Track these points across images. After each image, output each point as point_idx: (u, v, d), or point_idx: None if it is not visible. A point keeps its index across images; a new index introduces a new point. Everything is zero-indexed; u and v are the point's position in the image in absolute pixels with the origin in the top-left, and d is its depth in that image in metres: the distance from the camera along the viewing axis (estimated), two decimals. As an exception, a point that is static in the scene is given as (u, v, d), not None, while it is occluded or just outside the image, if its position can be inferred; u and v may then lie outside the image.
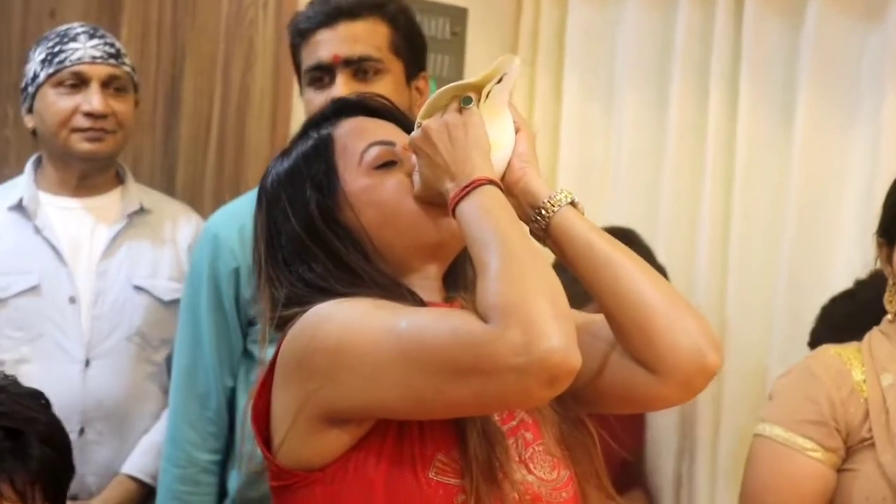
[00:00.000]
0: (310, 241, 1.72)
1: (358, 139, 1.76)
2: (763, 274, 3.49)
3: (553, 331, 1.50)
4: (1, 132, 3.47)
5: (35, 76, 3.00)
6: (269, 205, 1.77)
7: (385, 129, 1.78)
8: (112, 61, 3.01)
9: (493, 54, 1.72)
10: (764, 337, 3.46)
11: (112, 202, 3.08)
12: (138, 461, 3.00)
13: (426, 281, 1.74)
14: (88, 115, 2.97)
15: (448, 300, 1.76)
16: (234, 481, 2.76)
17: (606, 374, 1.70)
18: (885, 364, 2.28)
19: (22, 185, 3.05)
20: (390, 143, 1.75)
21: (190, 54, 3.52)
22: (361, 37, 2.61)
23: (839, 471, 2.27)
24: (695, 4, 3.58)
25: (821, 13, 3.39)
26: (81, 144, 2.98)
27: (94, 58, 2.99)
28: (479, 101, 1.70)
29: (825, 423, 2.26)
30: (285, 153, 1.80)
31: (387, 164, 1.74)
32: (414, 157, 1.72)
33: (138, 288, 3.04)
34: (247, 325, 2.73)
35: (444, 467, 1.63)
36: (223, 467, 2.79)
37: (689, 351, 1.64)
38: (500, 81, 1.70)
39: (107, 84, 3.00)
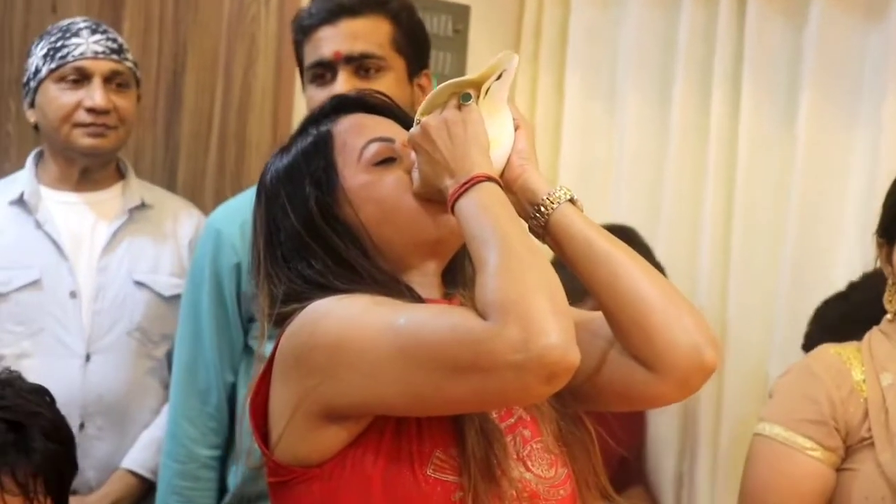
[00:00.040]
0: (309, 237, 1.72)
1: (357, 136, 1.75)
2: (764, 273, 3.49)
3: (552, 327, 1.50)
4: (2, 126, 3.47)
5: (37, 71, 3.01)
6: (268, 201, 1.77)
7: (384, 126, 1.78)
8: (114, 57, 3.01)
9: (496, 52, 1.72)
10: (765, 336, 3.46)
11: (113, 197, 3.08)
12: (138, 456, 3.01)
13: (425, 278, 1.74)
14: (90, 110, 2.97)
15: (447, 297, 1.76)
16: (234, 477, 2.76)
17: (605, 371, 1.69)
18: (884, 364, 2.28)
19: (23, 179, 3.05)
20: (389, 140, 1.75)
21: (192, 50, 3.52)
22: (363, 34, 2.61)
23: (838, 470, 2.27)
24: (697, 4, 3.58)
25: (823, 13, 3.39)
26: (83, 140, 2.98)
27: (97, 53, 2.99)
28: (478, 97, 1.70)
29: (825, 422, 2.26)
30: (284, 150, 1.80)
31: (386, 161, 1.74)
32: (413, 154, 1.72)
33: (139, 283, 3.04)
34: (248, 321, 2.73)
35: (442, 464, 1.63)
36: (223, 463, 2.79)
37: (687, 349, 1.63)
38: (499, 78, 1.70)
39: (109, 80, 3.00)
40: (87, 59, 2.98)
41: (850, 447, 2.26)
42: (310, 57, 2.64)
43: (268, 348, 1.72)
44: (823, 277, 3.35)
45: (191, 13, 3.51)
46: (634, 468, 3.45)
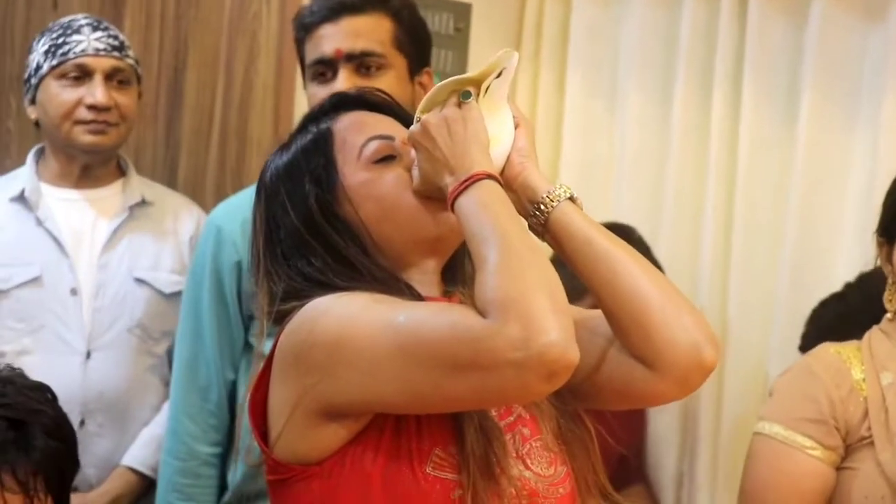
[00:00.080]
0: (308, 235, 1.72)
1: (357, 133, 1.75)
2: (764, 273, 3.49)
3: (552, 325, 1.50)
4: (3, 123, 3.47)
5: (38, 67, 3.01)
6: (267, 199, 1.77)
7: (384, 124, 1.78)
8: (116, 54, 3.01)
9: (497, 50, 1.72)
10: (765, 336, 3.47)
11: (114, 194, 3.08)
12: (138, 453, 3.01)
13: (425, 275, 1.74)
14: (91, 107, 2.97)
15: (447, 295, 1.76)
16: (234, 474, 2.76)
17: (604, 369, 1.69)
18: (884, 363, 2.28)
19: (24, 176, 3.05)
20: (389, 138, 1.75)
21: (193, 47, 3.52)
22: (364, 32, 2.61)
23: (838, 469, 2.27)
24: (699, 3, 3.58)
25: (824, 13, 3.39)
26: (84, 137, 2.98)
27: (98, 50, 2.99)
28: (478, 95, 1.70)
29: (824, 421, 2.26)
30: (284, 147, 1.80)
31: (386, 159, 1.74)
32: (413, 152, 1.72)
33: (139, 280, 3.04)
34: (248, 318, 2.73)
35: (442, 462, 1.63)
36: (224, 460, 2.79)
37: (687, 347, 1.63)
38: (499, 76, 1.70)
39: (110, 77, 3.01)
40: (88, 55, 2.98)
41: (850, 446, 2.26)
42: (311, 54, 2.64)
43: (267, 346, 1.72)
44: (823, 278, 3.35)
45: (192, 10, 3.51)
46: (634, 466, 3.45)
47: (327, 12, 2.63)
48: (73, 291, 2.98)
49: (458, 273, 1.78)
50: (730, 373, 3.46)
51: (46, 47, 3.00)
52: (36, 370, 2.33)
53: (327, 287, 1.68)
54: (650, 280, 1.66)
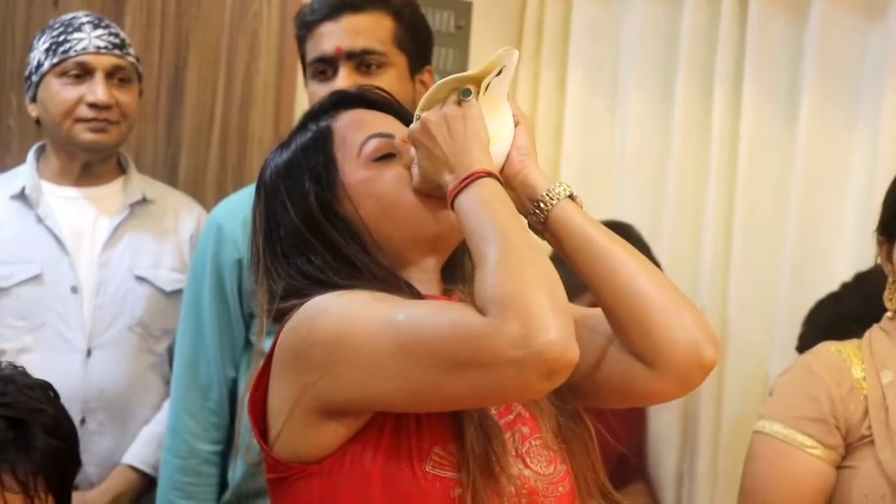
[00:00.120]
0: (308, 233, 1.72)
1: (357, 131, 1.75)
2: (765, 272, 3.49)
3: (551, 324, 1.50)
4: (4, 121, 3.47)
5: (39, 65, 3.00)
6: (267, 197, 1.77)
7: (384, 122, 1.78)
8: (117, 52, 3.01)
9: (498, 48, 1.72)
10: (765, 335, 3.47)
11: (114, 192, 3.08)
12: (139, 451, 3.00)
13: (424, 274, 1.74)
14: (92, 105, 2.97)
15: (446, 293, 1.76)
16: (235, 473, 2.76)
17: (604, 367, 1.69)
18: (884, 361, 2.28)
19: (24, 173, 3.05)
20: (389, 136, 1.75)
21: (194, 45, 3.52)
22: (364, 30, 2.61)
23: (838, 468, 2.27)
24: (700, 2, 3.58)
25: (825, 12, 3.40)
26: (85, 135, 2.98)
27: (99, 48, 2.99)
28: (478, 93, 1.70)
29: (825, 420, 2.26)
30: (284, 145, 1.80)
31: (386, 157, 1.74)
32: (413, 150, 1.72)
33: (140, 278, 3.04)
34: (249, 316, 2.73)
35: (441, 461, 1.63)
36: (225, 458, 2.79)
37: (687, 345, 1.63)
38: (499, 74, 1.70)
39: (111, 74, 3.00)
40: (89, 53, 2.98)
41: (850, 445, 2.26)
42: (311, 52, 2.64)
43: (267, 344, 1.72)
44: (823, 277, 3.35)
45: (193, 8, 3.51)
46: (635, 465, 3.44)
47: (328, 10, 2.63)
48: (74, 289, 2.98)
49: (457, 271, 1.78)
50: (730, 372, 3.46)
51: (47, 45, 3.00)
52: (36, 368, 2.32)
53: (327, 285, 1.68)
54: (650, 278, 1.66)
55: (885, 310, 2.31)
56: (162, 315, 3.03)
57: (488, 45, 3.70)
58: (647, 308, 1.64)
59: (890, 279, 2.31)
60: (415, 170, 1.71)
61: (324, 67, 2.62)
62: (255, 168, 3.24)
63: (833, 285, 3.23)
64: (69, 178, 3.05)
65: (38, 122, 3.06)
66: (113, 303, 3.01)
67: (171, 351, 2.95)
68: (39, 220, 3.00)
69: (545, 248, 1.65)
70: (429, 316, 1.58)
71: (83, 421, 2.93)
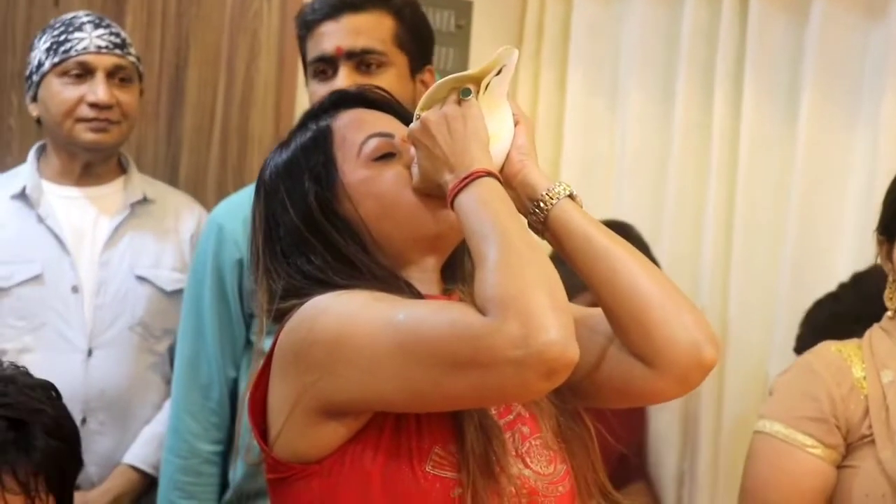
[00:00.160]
0: (308, 232, 1.72)
1: (357, 131, 1.75)
2: (766, 272, 3.49)
3: (551, 323, 1.49)
4: (4, 120, 3.47)
5: (40, 65, 3.00)
6: (267, 196, 1.77)
7: (384, 121, 1.78)
8: (117, 51, 3.01)
9: (498, 48, 1.72)
10: (765, 335, 3.47)
11: (115, 192, 3.08)
12: (140, 451, 3.00)
13: (424, 273, 1.74)
14: (93, 105, 2.97)
15: (446, 293, 1.76)
16: (235, 472, 2.76)
17: (604, 367, 1.69)
18: (885, 361, 2.28)
19: (25, 173, 3.05)
20: (389, 135, 1.75)
21: (194, 44, 3.52)
22: (365, 29, 2.61)
23: (839, 467, 2.27)
24: (700, 2, 3.58)
25: (825, 11, 3.40)
26: (86, 134, 2.98)
27: (100, 48, 2.99)
28: (478, 92, 1.70)
29: (825, 419, 2.25)
30: (284, 145, 1.80)
31: (385, 156, 1.74)
32: (413, 149, 1.72)
33: (141, 278, 3.04)
34: (250, 316, 2.73)
35: (441, 461, 1.63)
36: (225, 458, 2.79)
37: (686, 345, 1.63)
38: (499, 73, 1.70)
39: (112, 74, 3.00)
40: (90, 53, 2.98)
41: (851, 444, 2.26)
42: (312, 52, 2.64)
43: (267, 344, 1.72)
44: (823, 277, 3.35)
45: (193, 7, 3.51)
46: (635, 465, 3.45)
47: (329, 10, 2.63)
48: (75, 289, 2.98)
49: (457, 271, 1.78)
50: (730, 372, 3.46)
51: (48, 45, 3.00)
52: (37, 368, 2.32)
53: (327, 285, 1.68)
54: (650, 278, 1.66)
55: (884, 309, 2.31)
56: (163, 315, 3.03)
57: (489, 45, 3.70)
58: (647, 308, 1.64)
59: (890, 278, 2.31)
60: (415, 169, 1.71)
61: (324, 67, 2.62)
62: (256, 168, 3.22)
63: (833, 285, 3.23)
64: (70, 178, 3.05)
65: (38, 121, 3.06)
66: (114, 302, 3.01)
67: (171, 351, 2.95)
68: (40, 219, 3.00)
69: (545, 247, 1.65)
70: (429, 316, 1.58)
71: (84, 421, 2.93)
